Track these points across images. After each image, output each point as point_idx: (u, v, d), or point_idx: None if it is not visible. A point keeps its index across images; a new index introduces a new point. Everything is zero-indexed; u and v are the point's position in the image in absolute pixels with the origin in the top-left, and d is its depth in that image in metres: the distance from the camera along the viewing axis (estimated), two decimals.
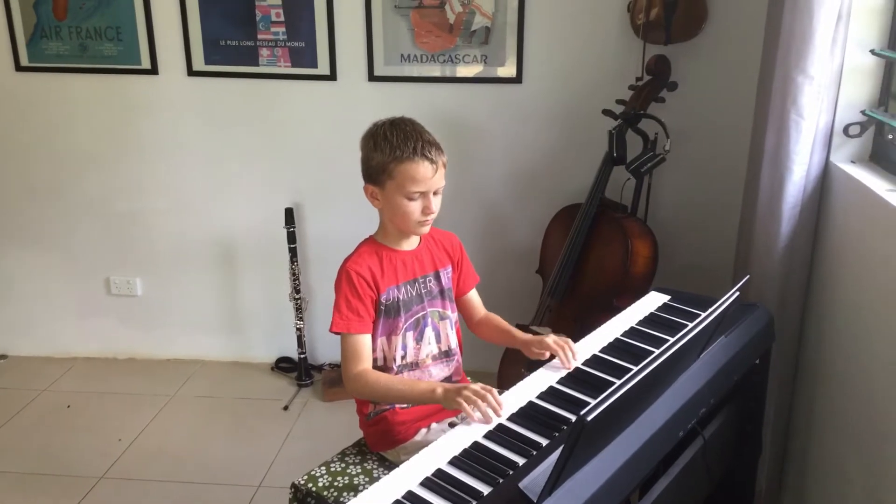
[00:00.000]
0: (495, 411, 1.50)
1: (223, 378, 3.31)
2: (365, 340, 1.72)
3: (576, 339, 1.80)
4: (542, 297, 2.72)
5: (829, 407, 2.08)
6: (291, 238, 3.09)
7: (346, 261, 1.75)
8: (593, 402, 1.14)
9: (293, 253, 3.10)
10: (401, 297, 1.76)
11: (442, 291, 1.84)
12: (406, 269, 1.78)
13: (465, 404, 1.49)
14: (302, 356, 3.22)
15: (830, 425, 2.07)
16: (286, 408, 3.06)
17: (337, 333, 1.72)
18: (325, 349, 3.35)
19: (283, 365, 3.36)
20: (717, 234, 2.90)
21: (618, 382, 1.22)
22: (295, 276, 3.12)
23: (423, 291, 1.80)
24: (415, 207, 1.68)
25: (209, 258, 3.30)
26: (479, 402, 1.49)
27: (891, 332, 1.75)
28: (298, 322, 3.18)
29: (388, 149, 1.65)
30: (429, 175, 1.66)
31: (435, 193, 1.69)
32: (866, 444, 1.84)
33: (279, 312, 3.31)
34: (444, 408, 1.63)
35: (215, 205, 3.22)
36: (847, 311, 2.00)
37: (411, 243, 1.81)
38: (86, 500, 2.52)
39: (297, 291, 3.14)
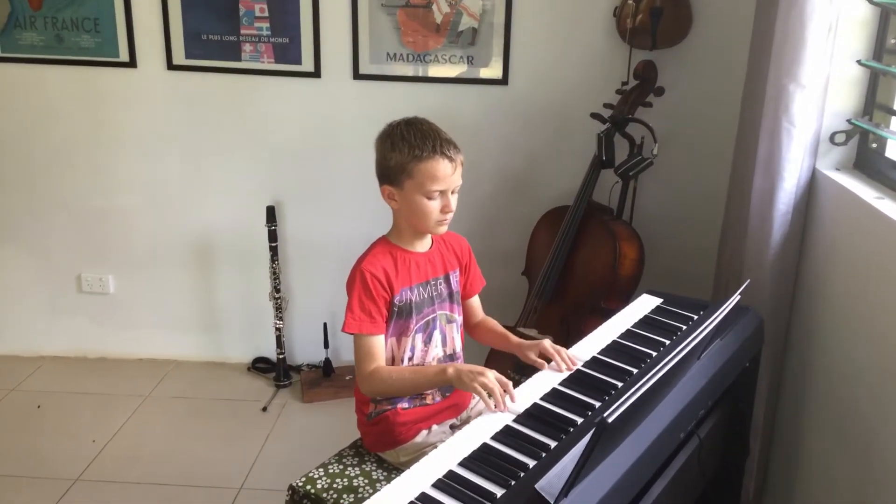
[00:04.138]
0: (511, 398, 1.52)
1: (198, 378, 3.24)
2: (378, 341, 1.70)
3: (563, 341, 1.81)
4: (528, 299, 2.73)
5: (815, 409, 2.12)
6: (272, 236, 3.04)
7: (360, 261, 1.73)
8: (616, 403, 1.14)
9: (274, 251, 3.06)
10: (413, 299, 1.75)
11: (451, 294, 1.83)
12: (419, 270, 1.77)
13: (480, 390, 1.51)
14: (281, 356, 3.18)
15: (817, 427, 2.11)
16: (265, 409, 3.01)
17: (349, 334, 1.70)
18: (304, 350, 3.31)
19: (259, 365, 3.31)
20: (699, 238, 2.93)
21: (637, 384, 1.22)
22: (275, 275, 3.08)
23: (434, 294, 1.79)
24: (434, 206, 1.67)
25: (185, 256, 3.24)
26: (496, 390, 1.51)
27: (876, 336, 1.79)
28: (278, 322, 3.14)
29: (407, 148, 1.63)
30: (448, 173, 1.65)
31: (453, 192, 1.70)
32: (852, 446, 1.88)
33: (256, 312, 3.26)
34: (456, 388, 1.65)
35: (193, 201, 3.16)
36: (833, 314, 2.04)
37: (424, 245, 1.80)
38: (61, 502, 2.45)
39: (278, 291, 3.10)
